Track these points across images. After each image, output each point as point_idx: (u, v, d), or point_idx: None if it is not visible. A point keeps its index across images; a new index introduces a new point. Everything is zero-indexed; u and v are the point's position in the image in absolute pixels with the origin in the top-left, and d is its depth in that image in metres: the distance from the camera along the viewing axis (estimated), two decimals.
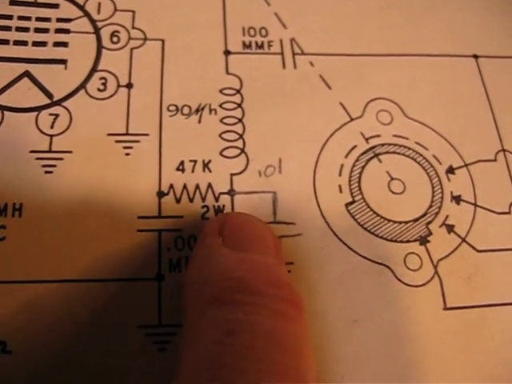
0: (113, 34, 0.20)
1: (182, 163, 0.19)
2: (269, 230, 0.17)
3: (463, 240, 0.19)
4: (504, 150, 0.21)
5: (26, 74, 0.19)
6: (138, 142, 0.19)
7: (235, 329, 0.13)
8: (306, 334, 0.14)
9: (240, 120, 0.20)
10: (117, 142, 0.19)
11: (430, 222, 0.19)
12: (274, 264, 0.15)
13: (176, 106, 0.20)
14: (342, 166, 0.20)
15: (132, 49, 0.20)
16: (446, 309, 0.18)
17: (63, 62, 0.20)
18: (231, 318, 0.13)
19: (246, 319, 0.13)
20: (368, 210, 0.19)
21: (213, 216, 0.18)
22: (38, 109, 0.19)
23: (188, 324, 0.14)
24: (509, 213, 0.20)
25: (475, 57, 0.22)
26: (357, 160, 0.20)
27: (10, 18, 0.20)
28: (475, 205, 0.20)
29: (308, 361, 0.13)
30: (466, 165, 0.20)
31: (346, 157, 0.20)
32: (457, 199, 0.20)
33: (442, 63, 0.22)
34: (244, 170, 0.19)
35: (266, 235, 0.16)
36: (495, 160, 0.21)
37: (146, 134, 0.19)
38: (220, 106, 0.20)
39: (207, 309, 0.13)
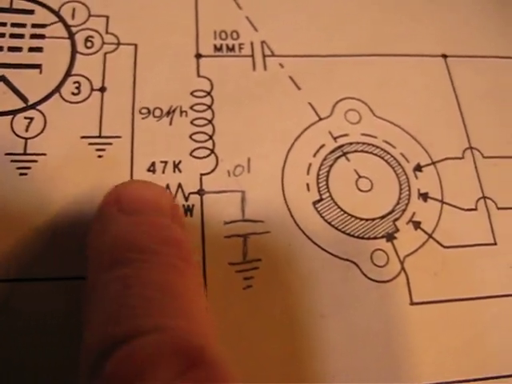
0: (87, 39, 0.21)
1: (153, 164, 0.19)
2: (165, 195, 0.17)
3: (430, 236, 0.20)
4: (471, 148, 0.21)
5: (2, 78, 0.20)
6: (110, 144, 0.19)
7: (129, 283, 0.14)
8: (197, 285, 0.15)
9: (210, 121, 0.20)
10: (90, 144, 0.19)
11: (396, 219, 0.20)
12: (165, 224, 0.16)
13: (148, 108, 0.20)
14: (310, 164, 0.20)
15: (106, 53, 0.21)
16: (412, 304, 0.19)
17: (38, 66, 0.20)
18: (125, 275, 0.14)
19: (137, 274, 0.14)
20: (335, 207, 0.19)
21: None
22: (13, 112, 0.19)
23: (90, 287, 0.15)
24: (475, 209, 0.20)
25: (444, 56, 0.23)
26: (325, 159, 0.20)
27: None
28: (442, 202, 0.20)
29: (198, 306, 0.14)
30: (434, 162, 0.21)
31: (314, 156, 0.20)
32: (424, 196, 0.20)
33: (411, 63, 0.22)
34: (213, 170, 0.19)
35: (162, 199, 0.17)
36: (463, 158, 0.21)
37: (119, 137, 0.19)
38: (191, 107, 0.20)
39: (105, 272, 0.14)
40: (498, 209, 0.20)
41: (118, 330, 0.13)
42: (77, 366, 0.13)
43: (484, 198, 0.20)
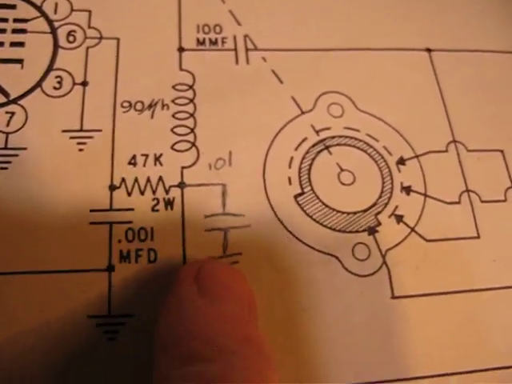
0: (69, 34, 0.21)
1: (134, 157, 0.19)
2: (244, 281, 0.17)
3: (412, 230, 0.20)
4: (455, 141, 0.21)
5: None
6: (91, 137, 0.19)
7: (210, 380, 0.13)
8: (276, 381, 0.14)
9: (192, 115, 0.20)
10: (71, 138, 0.19)
11: (379, 213, 0.20)
12: (245, 319, 0.15)
13: (129, 102, 0.20)
14: (291, 158, 0.20)
15: (88, 48, 0.21)
16: (393, 297, 0.19)
17: (20, 61, 0.20)
18: (206, 371, 0.13)
19: (220, 373, 0.13)
20: (317, 201, 0.19)
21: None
22: None
23: (159, 379, 0.14)
24: (459, 203, 0.20)
25: (428, 50, 0.23)
26: (307, 152, 0.20)
27: None
28: (425, 195, 0.20)
29: None
30: (417, 156, 0.21)
31: (296, 149, 0.20)
32: (407, 190, 0.20)
33: (395, 57, 0.22)
34: (194, 163, 0.19)
35: (241, 287, 0.16)
36: (446, 151, 0.21)
37: (100, 130, 0.19)
38: (172, 101, 0.20)
39: (180, 367, 0.14)
40: (482, 202, 0.20)
41: None
42: None
43: (467, 191, 0.20)
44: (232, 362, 0.14)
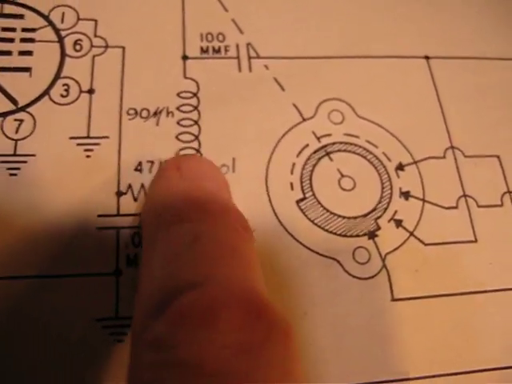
0: (76, 43, 0.21)
1: (140, 164, 0.20)
2: (222, 173, 0.18)
3: (411, 234, 0.20)
4: (453, 147, 0.22)
5: None
6: (98, 144, 0.20)
7: (200, 236, 0.14)
8: (255, 254, 0.16)
9: (196, 122, 0.20)
10: (78, 144, 0.20)
11: (378, 217, 0.20)
12: (225, 197, 0.16)
13: (135, 109, 0.20)
14: (293, 164, 0.20)
15: (94, 56, 0.21)
16: (393, 300, 0.19)
17: (28, 69, 0.21)
18: (195, 228, 0.14)
19: (207, 229, 0.14)
20: (318, 205, 0.20)
21: None
22: (4, 115, 0.20)
23: (149, 243, 0.15)
24: (456, 207, 0.21)
25: (427, 58, 0.23)
26: (308, 158, 0.21)
27: None
28: (424, 200, 0.21)
29: (257, 267, 0.15)
30: (416, 162, 0.21)
31: (298, 156, 0.21)
32: (405, 195, 0.21)
33: (394, 64, 0.23)
34: None
35: (220, 174, 0.18)
36: (444, 157, 0.21)
37: (106, 137, 0.20)
38: (177, 108, 0.21)
39: (168, 228, 0.15)
40: (479, 207, 0.21)
41: (187, 277, 0.13)
42: None
43: (465, 196, 0.21)
44: (215, 221, 0.15)
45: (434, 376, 0.18)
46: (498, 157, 0.22)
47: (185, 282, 0.13)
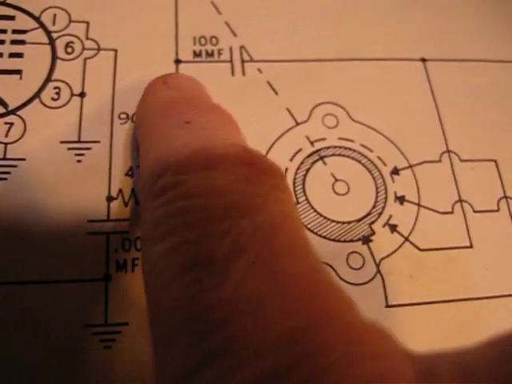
0: (67, 45, 0.21)
1: (131, 169, 0.19)
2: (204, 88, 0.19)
3: (406, 239, 0.20)
4: (449, 151, 0.21)
5: None
6: (89, 149, 0.19)
7: (191, 120, 0.15)
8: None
9: None
10: (69, 149, 0.19)
11: (373, 222, 0.20)
12: (211, 101, 0.18)
13: (127, 113, 0.20)
14: (286, 169, 0.20)
15: (86, 59, 0.21)
16: (388, 306, 0.19)
17: (18, 72, 0.20)
18: (184, 118, 0.16)
19: (200, 115, 0.16)
20: (311, 210, 0.20)
21: None
22: None
23: (143, 137, 0.17)
24: (452, 212, 0.20)
25: (423, 60, 0.23)
26: (301, 163, 0.20)
27: None
28: (419, 205, 0.20)
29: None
30: (411, 166, 0.21)
31: (291, 160, 0.20)
32: (400, 199, 0.20)
33: (390, 67, 0.23)
34: None
35: (204, 89, 0.19)
36: (440, 161, 0.21)
37: (97, 142, 0.20)
38: None
39: (159, 121, 0.16)
40: (475, 212, 0.21)
41: (181, 143, 0.14)
42: None
43: (460, 201, 0.21)
44: (206, 111, 0.16)
45: None
46: (494, 161, 0.22)
47: (181, 147, 0.14)
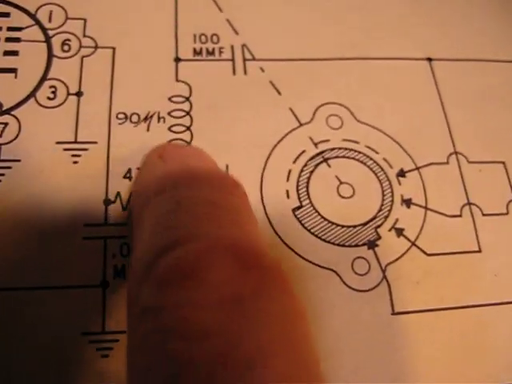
0: (64, 43, 0.21)
1: (129, 171, 0.19)
2: (206, 153, 0.17)
3: (413, 244, 0.19)
4: (456, 153, 0.21)
5: None
6: (86, 150, 0.19)
7: (182, 201, 0.14)
8: (247, 203, 0.15)
9: (188, 128, 0.20)
10: (65, 150, 0.19)
11: (379, 226, 0.19)
12: (213, 167, 0.16)
13: (125, 113, 0.20)
14: (289, 171, 0.20)
15: (83, 57, 0.20)
16: (394, 313, 0.18)
17: (13, 70, 0.20)
18: (178, 195, 0.14)
19: (190, 194, 0.14)
20: (316, 214, 0.19)
21: None
22: None
23: (137, 215, 0.15)
24: (460, 216, 0.20)
25: (429, 60, 0.22)
26: (305, 165, 0.20)
27: None
28: (426, 208, 0.20)
29: (252, 221, 0.14)
30: (418, 168, 0.20)
31: (294, 162, 0.20)
32: (407, 202, 0.20)
33: (395, 66, 0.22)
34: None
35: (204, 154, 0.17)
36: (447, 163, 0.21)
37: (95, 142, 0.19)
38: (169, 114, 0.20)
39: (155, 197, 0.14)
40: (483, 215, 0.20)
41: (171, 237, 0.13)
42: None
43: (469, 204, 0.20)
44: (202, 183, 0.14)
45: None
46: (503, 163, 0.21)
47: (167, 242, 0.12)
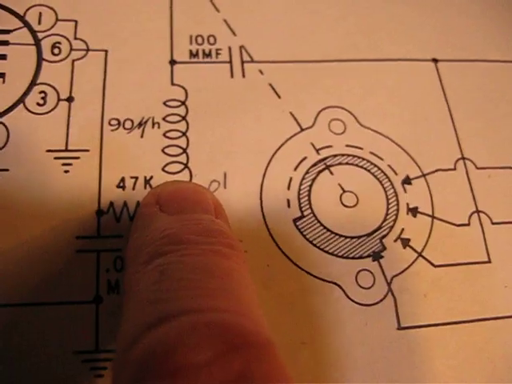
0: (54, 46, 0.20)
1: (122, 180, 0.18)
2: (207, 193, 0.17)
3: (419, 255, 0.19)
4: (464, 158, 0.20)
5: None
6: (77, 158, 0.18)
7: (166, 268, 0.13)
8: (243, 268, 0.14)
9: (184, 134, 0.19)
10: (56, 158, 0.18)
11: (384, 237, 0.19)
12: (209, 218, 0.15)
13: (118, 119, 0.19)
14: (290, 179, 0.19)
15: (74, 60, 0.20)
16: (399, 328, 0.18)
17: (1, 75, 0.19)
18: (163, 263, 0.13)
19: (175, 260, 0.13)
20: (318, 225, 0.18)
21: None
22: None
23: (127, 283, 0.14)
24: (468, 225, 0.19)
25: (435, 61, 0.22)
26: (307, 172, 0.19)
27: None
28: (433, 217, 0.19)
29: (243, 286, 0.13)
30: (424, 175, 0.20)
31: (296, 169, 0.19)
32: (413, 211, 0.19)
33: (400, 68, 0.21)
34: None
35: (203, 197, 0.16)
36: (455, 169, 0.20)
37: (86, 150, 0.18)
38: (163, 119, 0.19)
39: (143, 266, 0.14)
40: (493, 224, 0.19)
41: (151, 314, 0.12)
42: None
43: (478, 212, 0.19)
44: (190, 248, 0.14)
45: None
46: None
47: (149, 320, 0.12)
